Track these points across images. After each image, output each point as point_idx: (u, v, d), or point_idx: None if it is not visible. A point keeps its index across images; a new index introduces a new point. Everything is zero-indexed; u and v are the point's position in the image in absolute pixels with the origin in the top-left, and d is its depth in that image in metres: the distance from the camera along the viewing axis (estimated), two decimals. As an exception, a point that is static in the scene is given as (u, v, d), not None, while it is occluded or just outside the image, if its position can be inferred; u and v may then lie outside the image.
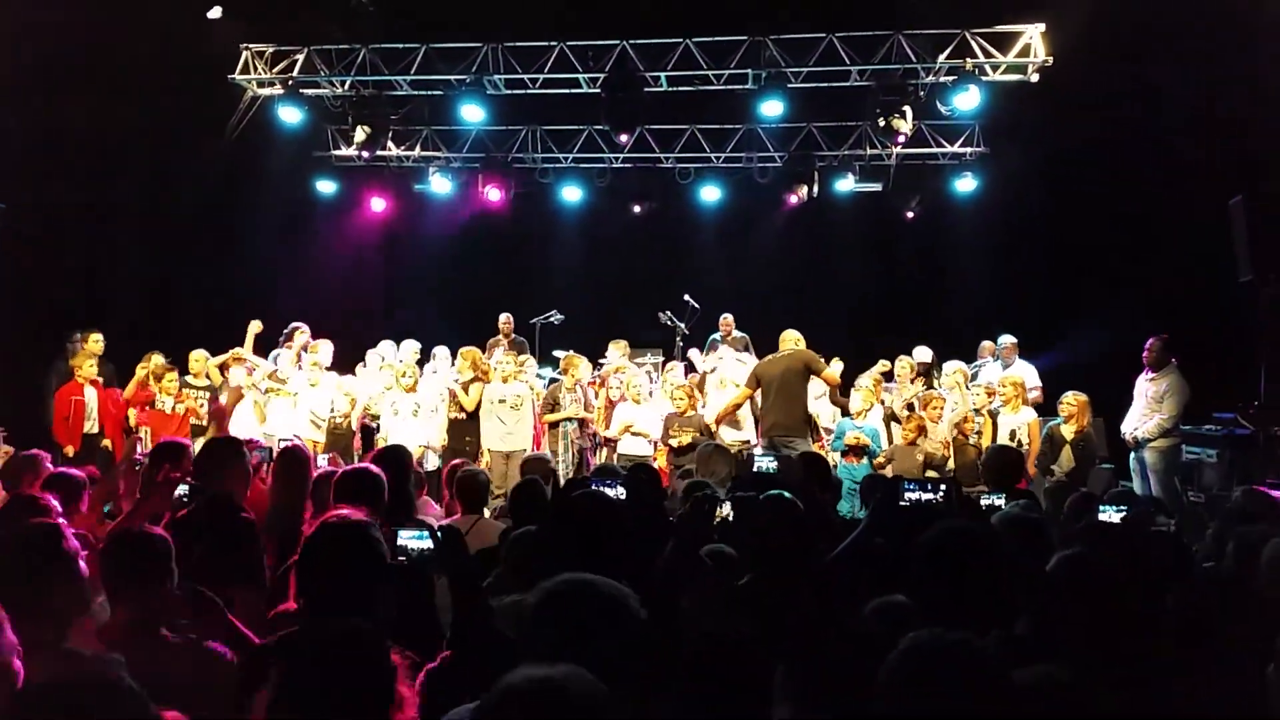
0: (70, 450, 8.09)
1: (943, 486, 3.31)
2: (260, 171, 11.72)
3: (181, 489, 3.75)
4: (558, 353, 9.92)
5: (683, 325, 10.58)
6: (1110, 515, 4.08)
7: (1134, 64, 9.47)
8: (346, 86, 11.40)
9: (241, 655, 2.66)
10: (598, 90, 10.74)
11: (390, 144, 12.49)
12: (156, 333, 9.80)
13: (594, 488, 3.32)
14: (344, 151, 12.87)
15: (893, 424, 8.51)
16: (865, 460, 7.74)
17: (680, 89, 11.15)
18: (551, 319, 11.04)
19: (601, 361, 9.96)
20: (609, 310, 12.21)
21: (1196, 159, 9.30)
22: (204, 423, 8.81)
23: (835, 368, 8.55)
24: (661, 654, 2.03)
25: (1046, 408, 8.70)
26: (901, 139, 10.43)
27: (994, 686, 1.77)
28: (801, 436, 7.88)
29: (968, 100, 9.99)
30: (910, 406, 8.39)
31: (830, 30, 10.35)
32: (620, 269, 13.15)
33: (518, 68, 10.91)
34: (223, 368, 9.23)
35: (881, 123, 10.25)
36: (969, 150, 12.28)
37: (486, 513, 5.04)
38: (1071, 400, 7.75)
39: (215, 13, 10.14)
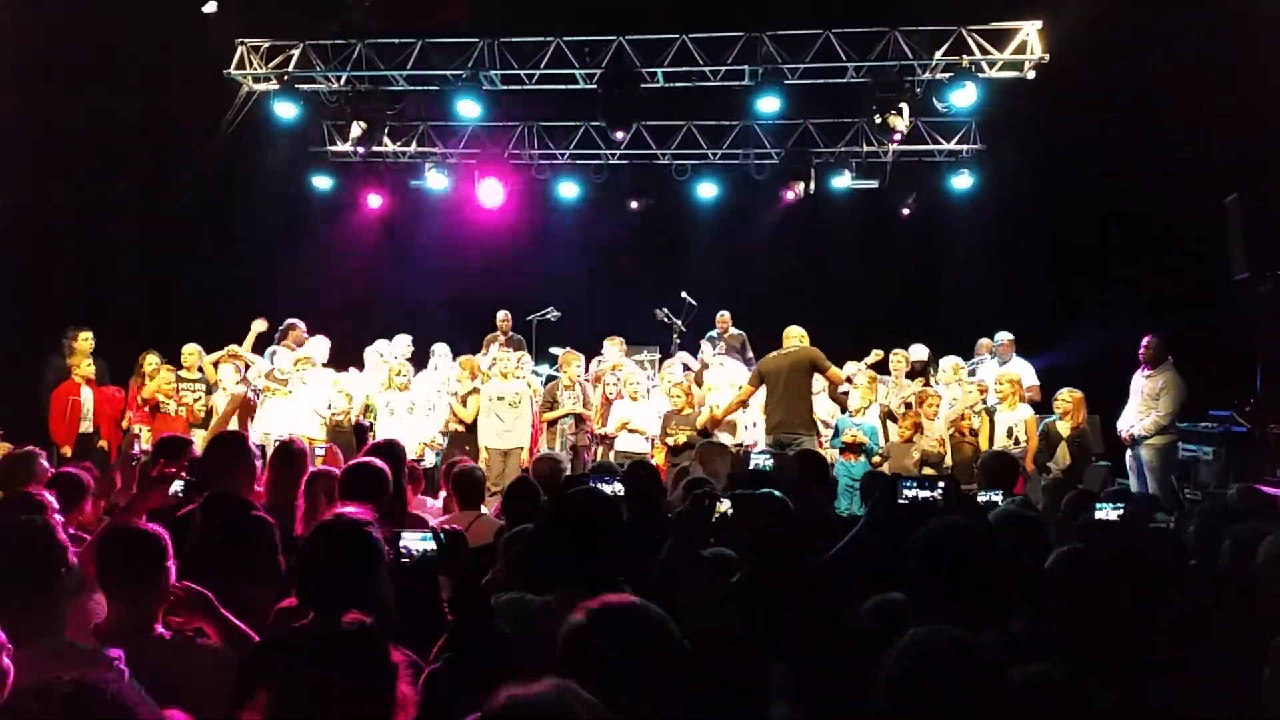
0: (67, 450, 8.07)
1: (941, 484, 3.30)
2: (256, 168, 11.69)
3: (176, 485, 3.72)
4: (555, 350, 9.90)
5: (679, 322, 10.55)
6: (1108, 513, 4.09)
7: (1130, 62, 9.47)
8: (342, 82, 11.37)
9: (240, 651, 2.66)
10: (594, 86, 10.73)
11: (386, 139, 12.45)
12: (156, 331, 9.77)
13: (591, 484, 3.32)
14: (340, 147, 12.85)
15: (889, 422, 8.52)
16: (863, 458, 7.75)
17: (677, 85, 11.12)
18: (548, 315, 10.99)
19: (597, 359, 9.93)
20: (606, 307, 12.17)
21: (1193, 156, 9.30)
22: (199, 421, 8.78)
23: (848, 369, 8.57)
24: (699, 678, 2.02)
25: (1044, 405, 8.71)
26: (898, 136, 10.40)
27: (990, 684, 1.78)
28: (808, 433, 7.87)
29: (964, 97, 9.96)
30: (907, 404, 8.40)
31: (827, 27, 10.33)
32: (617, 265, 13.11)
33: (514, 63, 10.86)
34: (217, 364, 9.19)
35: (878, 119, 10.23)
36: (965, 147, 12.27)
37: (484, 510, 5.03)
38: (1066, 397, 7.77)
39: (210, 7, 10.11)
